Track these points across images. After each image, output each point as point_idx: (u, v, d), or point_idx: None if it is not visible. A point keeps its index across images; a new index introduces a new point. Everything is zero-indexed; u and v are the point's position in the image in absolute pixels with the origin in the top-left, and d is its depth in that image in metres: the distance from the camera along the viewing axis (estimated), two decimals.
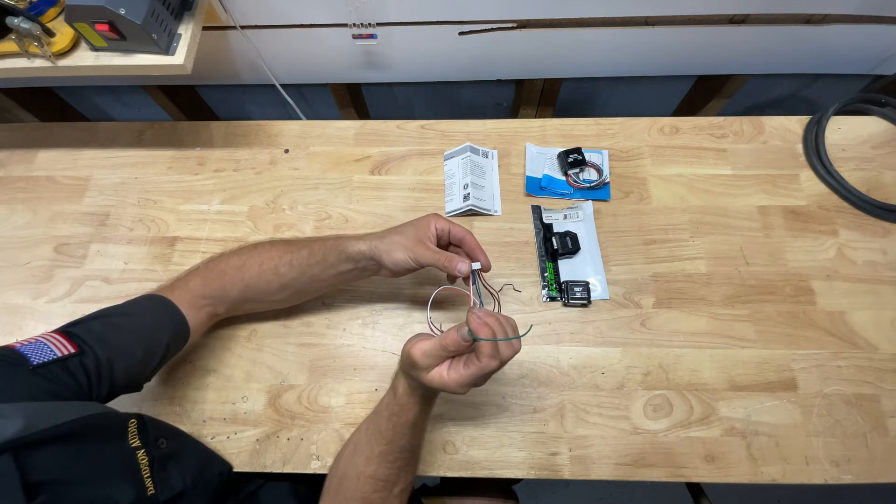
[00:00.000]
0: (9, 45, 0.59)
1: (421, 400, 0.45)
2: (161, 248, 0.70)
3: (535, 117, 1.00)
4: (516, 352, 0.42)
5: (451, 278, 0.53)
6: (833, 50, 0.80)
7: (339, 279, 0.55)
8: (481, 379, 0.41)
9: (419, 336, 0.44)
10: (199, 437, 0.59)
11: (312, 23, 0.74)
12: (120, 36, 0.57)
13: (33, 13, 0.57)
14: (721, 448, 0.57)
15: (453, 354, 0.41)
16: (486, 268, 0.49)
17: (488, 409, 0.60)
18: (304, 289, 0.56)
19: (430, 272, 0.51)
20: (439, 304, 0.65)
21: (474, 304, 0.47)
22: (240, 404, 0.61)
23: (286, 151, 0.77)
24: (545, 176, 0.72)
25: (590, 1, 0.70)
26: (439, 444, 0.59)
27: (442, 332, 0.43)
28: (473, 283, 0.48)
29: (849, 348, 0.62)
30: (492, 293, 0.52)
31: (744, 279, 0.65)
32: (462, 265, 0.47)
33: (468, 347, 0.41)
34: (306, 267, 0.54)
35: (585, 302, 0.64)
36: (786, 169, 0.72)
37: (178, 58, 0.60)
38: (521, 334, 0.43)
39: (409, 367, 0.43)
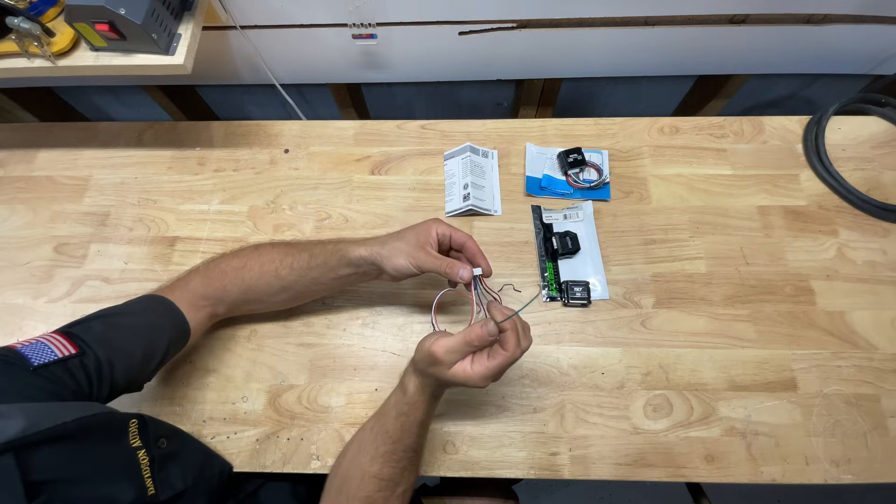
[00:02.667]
0: (9, 45, 0.59)
1: (430, 398, 0.46)
2: (161, 248, 0.70)
3: (535, 117, 1.00)
4: (530, 343, 0.45)
5: (453, 282, 0.53)
6: (833, 50, 0.80)
7: (340, 283, 0.55)
8: (505, 368, 0.44)
9: (436, 334, 0.45)
10: (199, 436, 0.59)
11: (312, 23, 0.74)
12: (120, 36, 0.57)
13: (33, 13, 0.57)
14: (721, 448, 0.57)
15: (476, 349, 0.43)
16: (487, 273, 0.49)
17: (488, 409, 0.60)
18: (304, 291, 0.56)
19: (430, 274, 0.51)
20: (440, 307, 0.65)
21: (478, 308, 0.48)
22: (240, 404, 0.61)
23: (286, 151, 0.77)
24: (545, 176, 0.72)
25: (590, 1, 0.70)
26: (439, 444, 0.59)
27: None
28: (475, 288, 0.48)
29: (849, 348, 0.62)
30: (493, 297, 0.52)
31: (744, 279, 0.65)
32: (463, 272, 0.47)
33: (490, 342, 0.43)
34: (307, 270, 0.54)
35: (585, 302, 0.64)
36: (786, 169, 0.72)
37: (178, 58, 0.60)
38: (529, 301, 0.47)
39: (428, 365, 0.44)
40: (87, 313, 0.49)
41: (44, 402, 0.38)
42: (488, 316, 0.44)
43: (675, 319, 0.64)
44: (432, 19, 0.73)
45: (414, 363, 0.47)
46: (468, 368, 0.43)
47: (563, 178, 0.72)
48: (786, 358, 0.61)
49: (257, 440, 0.59)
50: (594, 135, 0.76)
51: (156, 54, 0.60)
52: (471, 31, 0.75)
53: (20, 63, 0.61)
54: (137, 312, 0.51)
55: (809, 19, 0.73)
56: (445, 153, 0.75)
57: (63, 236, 0.72)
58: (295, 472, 0.58)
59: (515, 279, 0.67)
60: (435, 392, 0.46)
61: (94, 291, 0.68)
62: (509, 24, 0.74)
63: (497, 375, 0.44)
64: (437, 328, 0.49)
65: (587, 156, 0.72)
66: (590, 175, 0.73)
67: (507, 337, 0.43)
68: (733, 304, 0.64)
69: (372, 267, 0.52)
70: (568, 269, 0.67)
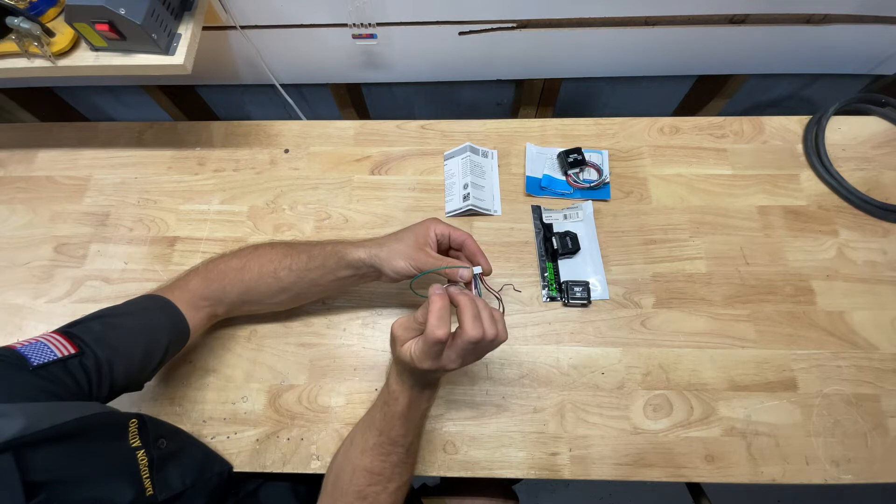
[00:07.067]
0: (9, 45, 0.59)
1: (410, 389, 0.46)
2: (161, 248, 0.70)
3: (535, 117, 1.00)
4: (491, 338, 0.41)
5: (453, 282, 0.53)
6: (833, 50, 0.80)
7: (339, 284, 0.55)
8: (433, 351, 0.40)
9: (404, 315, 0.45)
10: (199, 437, 0.59)
11: (312, 23, 0.74)
12: (120, 36, 0.57)
13: (33, 13, 0.57)
14: (721, 448, 0.57)
15: (424, 327, 0.41)
16: (487, 271, 0.49)
17: (488, 409, 0.60)
18: (302, 293, 0.56)
19: (430, 274, 0.51)
20: None
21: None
22: (240, 404, 0.61)
23: (286, 151, 0.77)
24: (545, 176, 0.72)
25: (590, 1, 0.70)
26: (439, 444, 0.59)
27: None
28: (475, 287, 0.48)
29: (849, 348, 0.62)
30: (495, 295, 0.52)
31: (744, 279, 0.65)
32: (464, 271, 0.47)
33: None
34: (305, 272, 0.54)
35: (585, 302, 0.64)
36: (786, 169, 0.72)
37: (178, 58, 0.60)
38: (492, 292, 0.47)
39: (391, 342, 0.45)
40: (87, 313, 0.49)
41: (43, 402, 0.38)
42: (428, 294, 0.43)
43: (675, 319, 0.63)
44: (432, 19, 0.73)
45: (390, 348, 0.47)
46: (411, 347, 0.42)
47: (563, 178, 0.72)
48: (786, 358, 0.61)
49: (257, 440, 0.59)
50: (594, 135, 0.76)
51: (156, 54, 0.60)
52: (471, 31, 0.75)
53: (20, 63, 0.61)
54: (137, 312, 0.51)
55: (809, 19, 0.73)
56: (445, 153, 0.75)
57: (63, 236, 0.72)
58: (295, 472, 0.58)
59: (515, 279, 0.67)
60: (415, 384, 0.45)
61: (94, 291, 0.68)
62: (509, 24, 0.74)
63: (430, 357, 0.41)
64: None
65: (587, 156, 0.72)
66: (590, 175, 0.73)
67: (429, 317, 0.40)
68: (733, 304, 0.64)
69: (371, 269, 0.52)
70: (568, 269, 0.67)
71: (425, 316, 0.41)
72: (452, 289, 0.44)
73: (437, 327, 0.40)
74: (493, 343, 0.42)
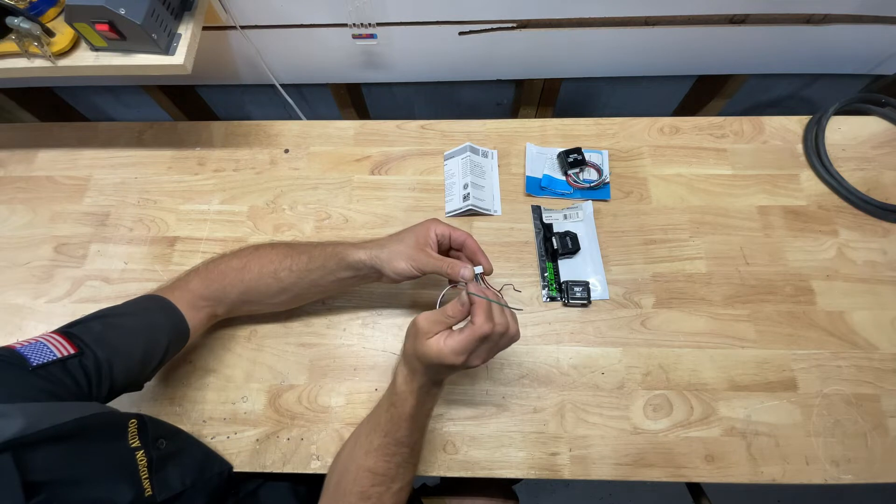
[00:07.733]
0: (9, 45, 0.59)
1: (419, 390, 0.46)
2: (161, 248, 0.70)
3: (535, 117, 1.00)
4: (512, 333, 0.44)
5: (454, 282, 0.54)
6: (833, 50, 0.80)
7: (339, 285, 0.55)
8: (474, 344, 0.42)
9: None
10: (199, 437, 0.59)
11: (312, 23, 0.74)
12: (120, 36, 0.57)
13: (33, 13, 0.57)
14: (721, 448, 0.57)
15: (454, 322, 0.44)
16: (488, 271, 0.49)
17: (488, 409, 0.60)
18: (302, 293, 0.56)
19: (430, 274, 0.51)
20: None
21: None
22: (240, 404, 0.61)
23: (286, 151, 0.77)
24: (545, 176, 0.72)
25: (590, 1, 0.70)
26: (439, 444, 0.59)
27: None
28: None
29: (849, 348, 0.62)
30: (495, 294, 0.52)
31: (744, 279, 0.65)
32: (465, 271, 0.47)
33: (465, 313, 0.44)
34: (305, 272, 0.54)
35: (585, 302, 0.64)
36: (786, 169, 0.72)
37: (178, 58, 0.60)
38: (514, 307, 0.46)
39: (412, 337, 0.44)
40: (87, 313, 0.49)
41: (43, 402, 0.38)
42: (466, 291, 0.44)
43: (675, 319, 0.63)
44: (432, 19, 0.73)
45: (403, 349, 0.47)
46: (441, 341, 0.43)
47: (563, 178, 0.72)
48: (786, 358, 0.61)
49: (257, 440, 0.59)
50: (594, 135, 0.76)
51: (156, 54, 0.60)
52: (471, 31, 0.75)
53: (20, 63, 0.61)
54: (137, 312, 0.51)
55: (809, 19, 0.73)
56: (445, 153, 0.75)
57: (63, 236, 0.72)
58: (295, 472, 0.58)
59: (515, 279, 0.67)
60: (423, 385, 0.46)
61: (94, 291, 0.68)
62: (509, 24, 0.74)
63: (467, 351, 0.42)
64: None
65: (587, 156, 0.72)
66: (590, 175, 0.73)
67: (475, 310, 0.43)
68: (733, 304, 0.64)
69: (371, 270, 0.52)
70: (568, 269, 0.67)
71: (457, 311, 0.43)
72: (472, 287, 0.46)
73: (486, 322, 0.42)
74: (507, 336, 0.44)
